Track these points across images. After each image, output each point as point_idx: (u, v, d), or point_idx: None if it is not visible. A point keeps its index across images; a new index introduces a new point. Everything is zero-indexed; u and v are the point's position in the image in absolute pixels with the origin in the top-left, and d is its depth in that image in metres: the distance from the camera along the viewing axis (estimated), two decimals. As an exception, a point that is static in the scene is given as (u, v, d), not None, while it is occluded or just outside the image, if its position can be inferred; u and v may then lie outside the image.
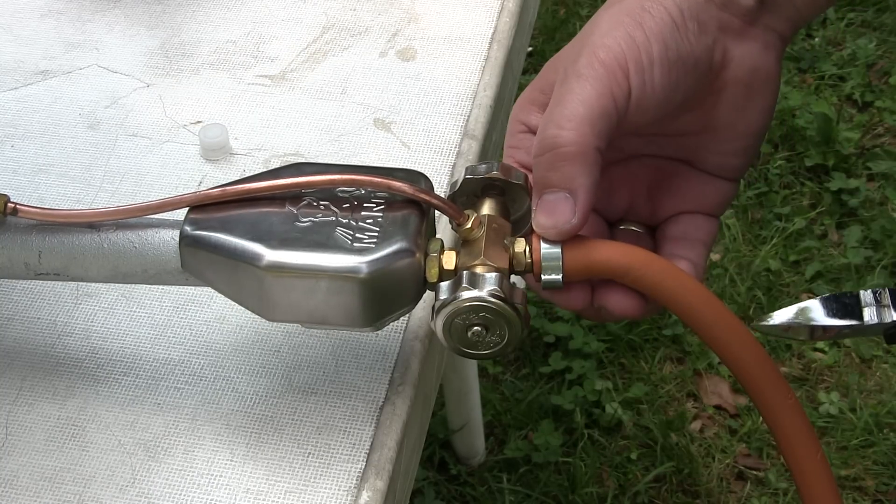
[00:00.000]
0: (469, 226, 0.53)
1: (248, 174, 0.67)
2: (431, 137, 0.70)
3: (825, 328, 0.52)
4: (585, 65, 0.50)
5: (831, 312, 0.52)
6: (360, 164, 0.63)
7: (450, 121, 0.71)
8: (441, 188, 0.66)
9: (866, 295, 0.52)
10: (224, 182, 0.54)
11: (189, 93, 0.74)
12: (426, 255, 0.53)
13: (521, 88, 0.61)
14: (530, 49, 1.95)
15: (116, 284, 0.61)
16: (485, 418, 1.49)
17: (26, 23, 0.79)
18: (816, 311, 0.52)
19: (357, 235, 0.51)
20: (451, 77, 0.74)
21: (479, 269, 0.51)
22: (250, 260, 0.51)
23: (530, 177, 0.53)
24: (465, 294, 0.51)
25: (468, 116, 0.71)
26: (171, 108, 0.73)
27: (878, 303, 0.51)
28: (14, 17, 0.80)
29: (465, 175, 0.55)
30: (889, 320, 0.51)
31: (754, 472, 1.48)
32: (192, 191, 0.66)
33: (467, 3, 0.79)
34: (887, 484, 1.46)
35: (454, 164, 0.68)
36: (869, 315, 0.51)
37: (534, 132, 0.54)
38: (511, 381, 1.57)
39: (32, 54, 0.77)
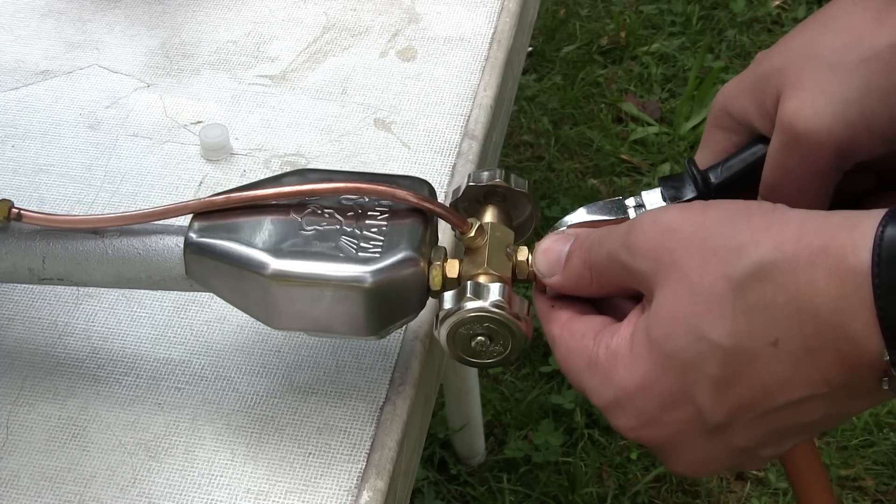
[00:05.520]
0: (472, 234, 0.53)
1: (248, 174, 0.67)
2: (432, 138, 0.70)
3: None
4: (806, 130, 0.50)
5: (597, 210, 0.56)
6: (360, 164, 0.63)
7: (450, 121, 0.71)
8: (441, 188, 0.66)
9: (629, 200, 0.56)
10: (225, 183, 0.54)
11: (189, 93, 0.74)
12: (430, 263, 0.53)
13: (521, 88, 0.60)
14: (530, 49, 1.95)
15: (117, 284, 0.61)
16: (485, 418, 1.49)
17: (26, 23, 0.79)
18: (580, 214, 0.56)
19: (361, 244, 0.51)
20: (452, 77, 0.74)
21: (482, 279, 0.52)
22: (255, 268, 0.51)
23: None
24: (470, 305, 0.51)
25: (468, 116, 0.71)
26: (172, 108, 0.73)
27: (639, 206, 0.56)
28: (14, 17, 0.80)
29: (468, 182, 0.55)
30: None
31: (754, 472, 1.48)
32: (193, 191, 0.67)
33: (467, 3, 0.79)
34: (887, 484, 1.46)
35: (454, 164, 0.68)
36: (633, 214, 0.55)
37: (741, 122, 0.54)
38: (511, 381, 1.57)
39: (33, 54, 0.77)
